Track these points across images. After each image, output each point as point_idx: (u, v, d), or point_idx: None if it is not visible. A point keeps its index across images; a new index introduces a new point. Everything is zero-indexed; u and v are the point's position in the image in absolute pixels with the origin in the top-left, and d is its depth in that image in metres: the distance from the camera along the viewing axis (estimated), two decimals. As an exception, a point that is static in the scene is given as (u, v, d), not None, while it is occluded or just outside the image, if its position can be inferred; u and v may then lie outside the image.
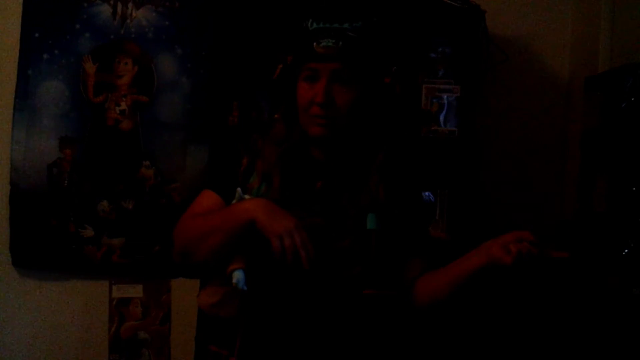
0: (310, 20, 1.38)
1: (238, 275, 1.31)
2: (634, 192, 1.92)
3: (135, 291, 2.43)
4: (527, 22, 2.60)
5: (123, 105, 2.39)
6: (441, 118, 2.26)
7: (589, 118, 2.28)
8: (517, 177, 2.58)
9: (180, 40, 2.41)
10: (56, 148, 2.36)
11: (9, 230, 2.35)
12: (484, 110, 2.38)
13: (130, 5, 2.39)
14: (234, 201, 1.37)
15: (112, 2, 2.39)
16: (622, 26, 2.30)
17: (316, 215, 1.35)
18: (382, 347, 1.43)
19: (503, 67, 2.43)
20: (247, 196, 1.37)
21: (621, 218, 1.96)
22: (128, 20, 2.40)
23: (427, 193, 2.29)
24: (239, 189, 1.37)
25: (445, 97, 2.26)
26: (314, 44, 1.35)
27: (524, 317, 2.48)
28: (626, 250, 1.91)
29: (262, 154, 1.43)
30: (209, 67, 2.40)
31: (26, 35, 2.35)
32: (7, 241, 2.36)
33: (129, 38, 2.39)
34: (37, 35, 2.35)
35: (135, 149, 2.40)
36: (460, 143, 2.25)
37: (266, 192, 1.40)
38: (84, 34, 2.37)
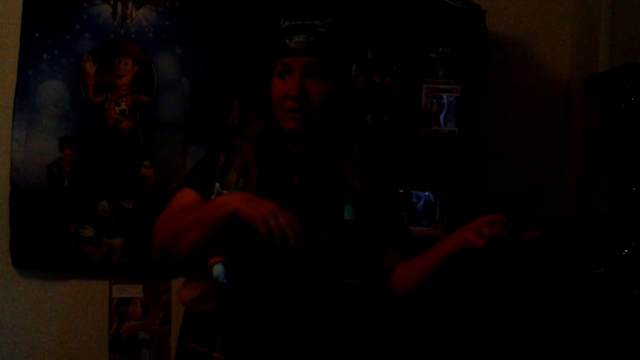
0: (282, 19, 1.42)
1: (218, 269, 1.33)
2: (634, 192, 1.92)
3: (135, 291, 2.43)
4: (527, 22, 2.60)
5: (123, 105, 2.39)
6: (441, 118, 2.26)
7: (589, 118, 2.27)
8: (517, 177, 2.58)
9: (180, 40, 2.41)
10: (56, 148, 2.36)
11: (9, 230, 2.35)
12: (484, 110, 2.38)
13: (130, 5, 2.39)
14: (213, 196, 1.40)
15: (112, 2, 2.39)
16: (622, 26, 2.30)
17: (294, 209, 1.36)
18: (362, 336, 1.45)
19: (503, 67, 2.43)
20: (225, 191, 1.40)
21: (621, 218, 1.96)
22: (128, 20, 2.40)
23: (427, 193, 2.29)
24: (217, 184, 1.41)
25: (445, 97, 2.26)
26: (286, 40, 1.39)
27: (524, 319, 2.48)
28: (626, 250, 1.91)
29: (239, 150, 1.46)
30: (209, 67, 2.40)
31: (26, 35, 2.35)
32: (7, 241, 2.36)
33: (129, 38, 2.39)
34: (37, 35, 2.35)
35: (135, 149, 2.40)
36: (460, 143, 2.25)
37: (244, 187, 1.43)
38: (84, 34, 2.37)
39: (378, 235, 1.46)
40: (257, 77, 1.53)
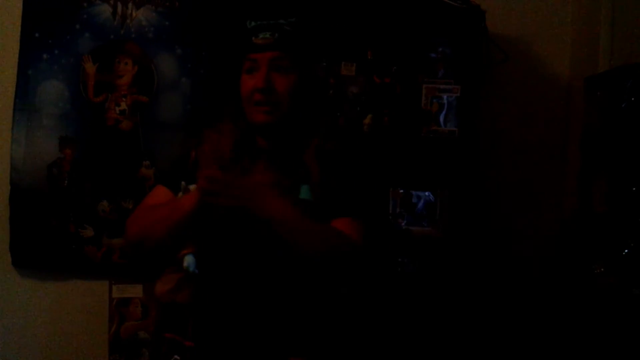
0: (249, 20, 1.51)
1: (188, 259, 1.41)
2: (634, 192, 1.92)
3: (135, 291, 2.43)
4: (527, 22, 2.60)
5: (123, 105, 2.39)
6: (441, 118, 2.26)
7: (589, 118, 2.28)
8: (517, 177, 2.58)
9: (180, 40, 2.41)
10: (56, 148, 2.36)
11: (9, 230, 2.35)
12: (484, 110, 2.38)
13: (130, 5, 2.39)
14: (180, 193, 1.46)
15: (112, 2, 2.39)
16: (622, 26, 2.30)
17: None
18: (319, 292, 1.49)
19: (503, 67, 2.43)
20: (192, 186, 1.44)
21: (621, 218, 1.96)
22: (128, 20, 2.40)
23: (427, 193, 2.29)
24: (183, 182, 1.46)
25: (445, 97, 2.26)
26: (253, 37, 1.48)
27: (524, 319, 2.49)
28: (626, 250, 1.91)
29: (216, 145, 1.52)
30: (209, 67, 2.40)
31: (26, 35, 2.35)
32: (7, 241, 2.36)
33: (129, 38, 2.39)
34: (37, 35, 2.35)
35: (135, 149, 2.40)
36: (460, 143, 2.25)
37: None
38: (84, 34, 2.37)
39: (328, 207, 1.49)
40: (227, 76, 1.61)
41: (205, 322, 1.46)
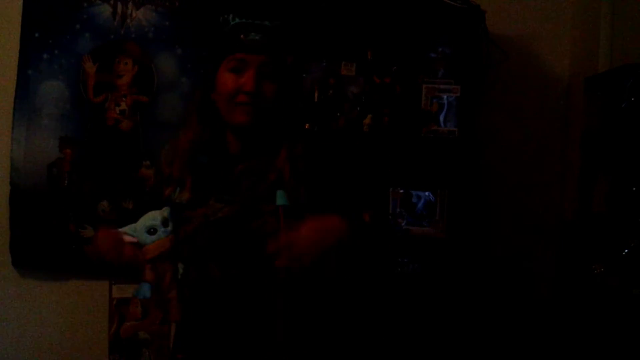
0: (231, 15, 1.45)
1: (140, 288, 1.40)
2: (634, 192, 1.92)
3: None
4: (527, 22, 2.60)
5: (123, 105, 2.39)
6: (441, 118, 2.26)
7: (589, 118, 2.28)
8: (517, 177, 2.58)
9: (180, 40, 2.41)
10: (56, 148, 2.36)
11: (9, 230, 2.35)
12: (483, 110, 2.38)
13: (130, 5, 2.39)
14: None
15: (112, 2, 2.39)
16: (622, 26, 2.30)
17: (232, 203, 1.41)
18: (301, 317, 1.45)
19: (503, 67, 2.43)
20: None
21: (621, 218, 1.96)
22: (128, 20, 2.40)
23: (427, 193, 2.29)
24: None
25: (445, 97, 2.26)
26: (241, 35, 1.42)
27: (524, 319, 2.49)
28: (626, 250, 1.91)
29: (174, 157, 1.51)
30: (209, 67, 2.40)
31: (26, 35, 2.35)
32: (7, 241, 2.36)
33: (129, 38, 2.39)
34: (37, 35, 2.35)
35: (135, 149, 2.40)
36: (460, 143, 2.25)
37: (179, 196, 1.47)
38: (84, 34, 2.37)
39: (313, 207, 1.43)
40: (201, 69, 1.56)
41: (191, 336, 1.46)
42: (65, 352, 2.42)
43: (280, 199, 1.38)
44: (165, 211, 1.44)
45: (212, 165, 1.48)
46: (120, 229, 1.45)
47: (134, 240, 1.42)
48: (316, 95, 2.28)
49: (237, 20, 1.44)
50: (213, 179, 1.47)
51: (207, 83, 1.50)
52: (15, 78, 2.35)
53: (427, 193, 2.29)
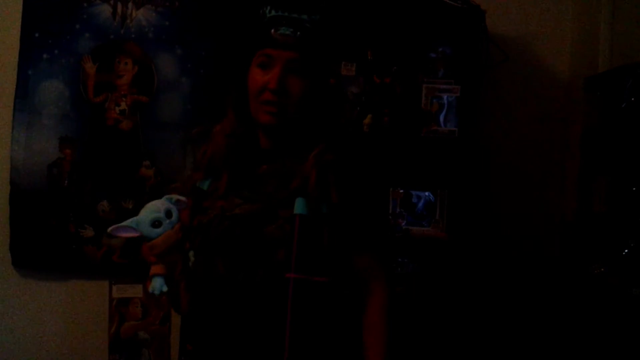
0: (269, 7, 1.38)
1: (154, 283, 1.36)
2: (634, 192, 1.92)
3: (135, 291, 2.43)
4: (527, 22, 2.60)
5: (123, 105, 2.39)
6: (441, 118, 2.26)
7: (589, 118, 2.28)
8: (517, 177, 2.58)
9: (180, 40, 2.41)
10: (56, 148, 2.36)
11: (9, 230, 2.35)
12: (484, 110, 2.38)
13: (130, 5, 2.39)
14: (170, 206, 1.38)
15: (112, 2, 2.39)
16: (622, 26, 2.30)
17: (251, 201, 1.36)
18: (309, 331, 1.39)
19: (503, 67, 2.43)
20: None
21: (621, 218, 1.96)
22: (128, 20, 2.40)
23: (427, 193, 2.29)
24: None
25: (445, 97, 2.26)
26: (272, 30, 1.35)
27: (524, 319, 2.49)
28: (626, 250, 1.91)
29: (211, 145, 1.45)
30: (209, 67, 2.40)
31: (26, 35, 2.35)
32: (7, 241, 2.36)
33: (129, 38, 2.39)
34: (37, 35, 2.35)
35: (135, 149, 2.40)
36: (460, 143, 2.25)
37: (213, 187, 1.42)
38: (84, 34, 2.37)
39: (343, 234, 1.38)
40: (236, 64, 1.49)
41: (199, 328, 1.43)
42: (65, 352, 2.42)
43: (300, 207, 1.33)
44: (166, 201, 1.37)
45: (244, 161, 1.43)
46: (121, 223, 1.39)
47: (137, 235, 1.37)
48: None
49: (272, 12, 1.36)
50: (243, 175, 1.42)
51: (240, 78, 1.42)
52: (15, 78, 2.35)
53: (427, 193, 2.29)
